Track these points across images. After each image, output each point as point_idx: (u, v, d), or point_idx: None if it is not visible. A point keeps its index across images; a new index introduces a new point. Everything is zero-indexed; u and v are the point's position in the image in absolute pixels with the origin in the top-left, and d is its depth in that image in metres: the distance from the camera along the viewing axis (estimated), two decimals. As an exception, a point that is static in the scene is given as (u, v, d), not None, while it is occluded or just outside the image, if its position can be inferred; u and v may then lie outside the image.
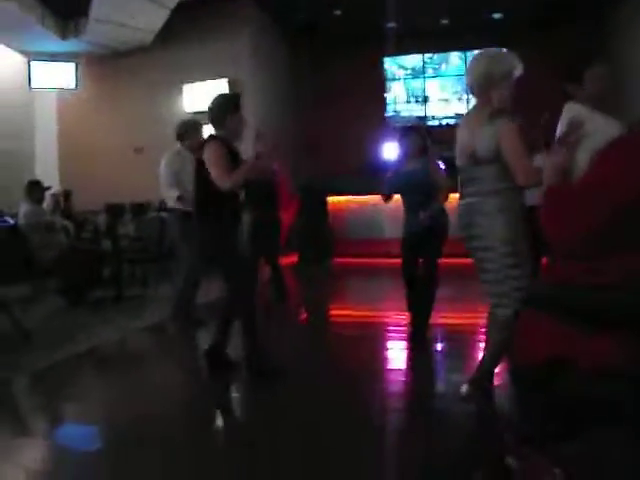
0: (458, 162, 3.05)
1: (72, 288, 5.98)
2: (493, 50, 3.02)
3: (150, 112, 10.71)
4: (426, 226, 4.64)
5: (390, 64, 13.25)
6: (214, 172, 3.56)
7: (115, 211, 9.64)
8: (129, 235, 7.02)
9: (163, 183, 5.21)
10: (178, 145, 5.25)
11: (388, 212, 8.36)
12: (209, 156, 3.60)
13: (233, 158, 3.71)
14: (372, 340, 4.88)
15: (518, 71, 2.89)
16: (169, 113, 10.55)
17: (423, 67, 13.21)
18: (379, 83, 13.16)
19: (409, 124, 5.55)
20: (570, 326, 1.60)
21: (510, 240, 2.83)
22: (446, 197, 4.70)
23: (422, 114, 12.95)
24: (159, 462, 2.63)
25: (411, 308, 4.79)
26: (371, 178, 10.18)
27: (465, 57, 12.82)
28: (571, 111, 2.83)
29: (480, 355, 3.17)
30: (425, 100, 13.20)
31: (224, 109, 3.74)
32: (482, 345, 3.31)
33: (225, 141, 3.71)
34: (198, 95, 10.64)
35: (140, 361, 4.47)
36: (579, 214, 1.69)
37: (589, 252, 1.67)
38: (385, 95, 13.30)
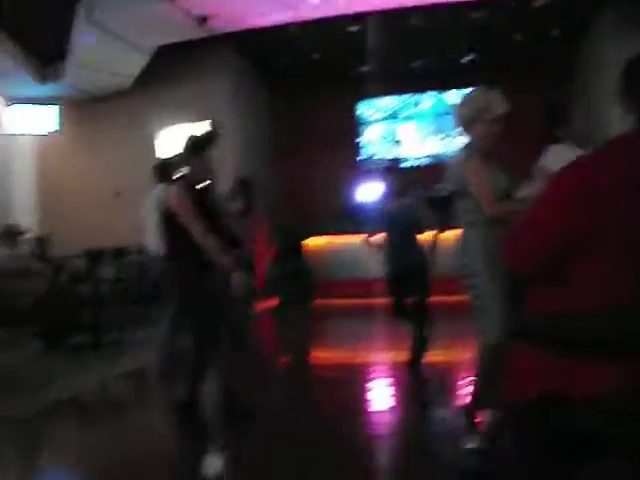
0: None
1: (50, 332, 5.87)
2: (473, 91, 3.16)
3: (128, 156, 10.70)
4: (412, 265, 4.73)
5: (364, 107, 13.46)
6: (190, 227, 3.48)
7: (94, 256, 9.53)
8: (109, 278, 6.94)
9: (146, 226, 5.18)
10: (158, 187, 5.25)
11: (368, 252, 8.40)
12: (177, 206, 3.52)
13: (201, 200, 3.64)
14: (357, 381, 4.84)
15: (498, 110, 2.98)
16: (147, 157, 10.56)
17: (397, 109, 13.45)
18: (354, 126, 13.35)
19: (391, 164, 5.66)
20: (560, 358, 1.60)
21: (488, 268, 2.92)
22: (436, 236, 4.81)
23: (396, 156, 13.13)
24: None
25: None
26: (348, 220, 10.30)
27: (439, 98, 13.09)
28: (555, 152, 3.09)
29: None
30: (399, 142, 13.39)
31: (190, 149, 3.71)
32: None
33: (190, 183, 3.66)
34: (177, 138, 10.68)
35: (119, 410, 4.38)
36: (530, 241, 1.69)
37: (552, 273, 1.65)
38: (359, 138, 13.45)
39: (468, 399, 3.09)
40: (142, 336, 6.44)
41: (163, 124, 10.80)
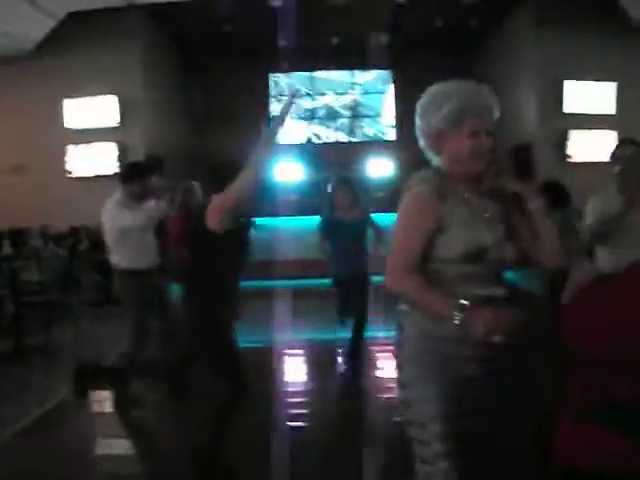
0: None
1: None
2: (444, 85, 1.95)
3: (29, 127, 9.76)
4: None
5: (277, 81, 13.15)
6: None
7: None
8: (30, 281, 6.34)
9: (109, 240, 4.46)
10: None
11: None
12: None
13: None
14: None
15: (485, 113, 1.86)
16: (50, 128, 9.76)
17: (310, 83, 13.24)
18: (267, 100, 13.01)
19: (342, 176, 5.69)
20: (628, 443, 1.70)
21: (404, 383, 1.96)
22: None
23: (308, 133, 13.03)
24: None
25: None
26: (264, 199, 10.02)
27: (352, 76, 13.03)
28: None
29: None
30: (312, 117, 13.24)
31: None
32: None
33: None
34: (82, 110, 9.96)
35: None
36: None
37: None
38: (271, 113, 13.10)
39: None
40: (68, 339, 6.00)
41: (67, 94, 9.92)
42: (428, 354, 1.86)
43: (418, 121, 1.96)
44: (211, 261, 3.05)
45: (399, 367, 1.96)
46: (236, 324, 3.23)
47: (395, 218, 1.92)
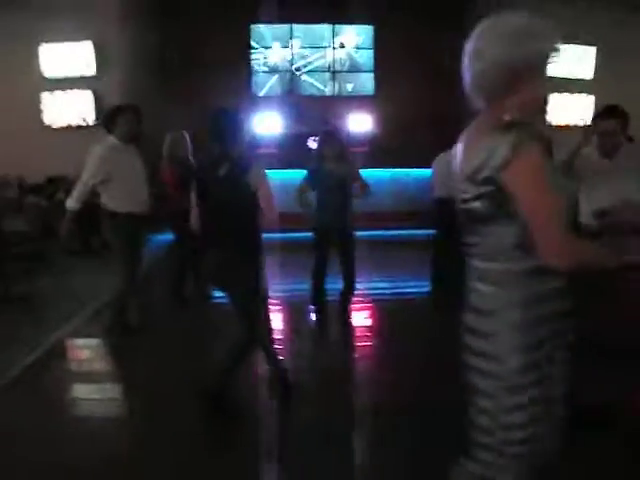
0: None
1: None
2: (512, 17, 1.63)
3: (2, 75, 9.48)
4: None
5: (257, 33, 12.81)
6: None
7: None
8: (15, 231, 6.27)
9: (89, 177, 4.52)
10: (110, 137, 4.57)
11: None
12: None
13: None
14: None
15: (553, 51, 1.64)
16: (25, 76, 9.51)
17: (291, 36, 12.92)
18: (245, 52, 12.65)
19: (329, 129, 5.66)
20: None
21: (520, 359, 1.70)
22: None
23: (289, 85, 12.81)
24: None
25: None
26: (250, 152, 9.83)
27: (333, 30, 12.76)
28: None
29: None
30: (294, 71, 12.97)
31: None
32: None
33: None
34: (58, 58, 9.69)
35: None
36: None
37: None
38: (251, 65, 12.81)
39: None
40: (54, 287, 6.00)
41: (42, 40, 9.64)
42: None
43: (480, 58, 1.62)
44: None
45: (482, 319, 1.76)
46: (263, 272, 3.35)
47: (522, 188, 1.59)
